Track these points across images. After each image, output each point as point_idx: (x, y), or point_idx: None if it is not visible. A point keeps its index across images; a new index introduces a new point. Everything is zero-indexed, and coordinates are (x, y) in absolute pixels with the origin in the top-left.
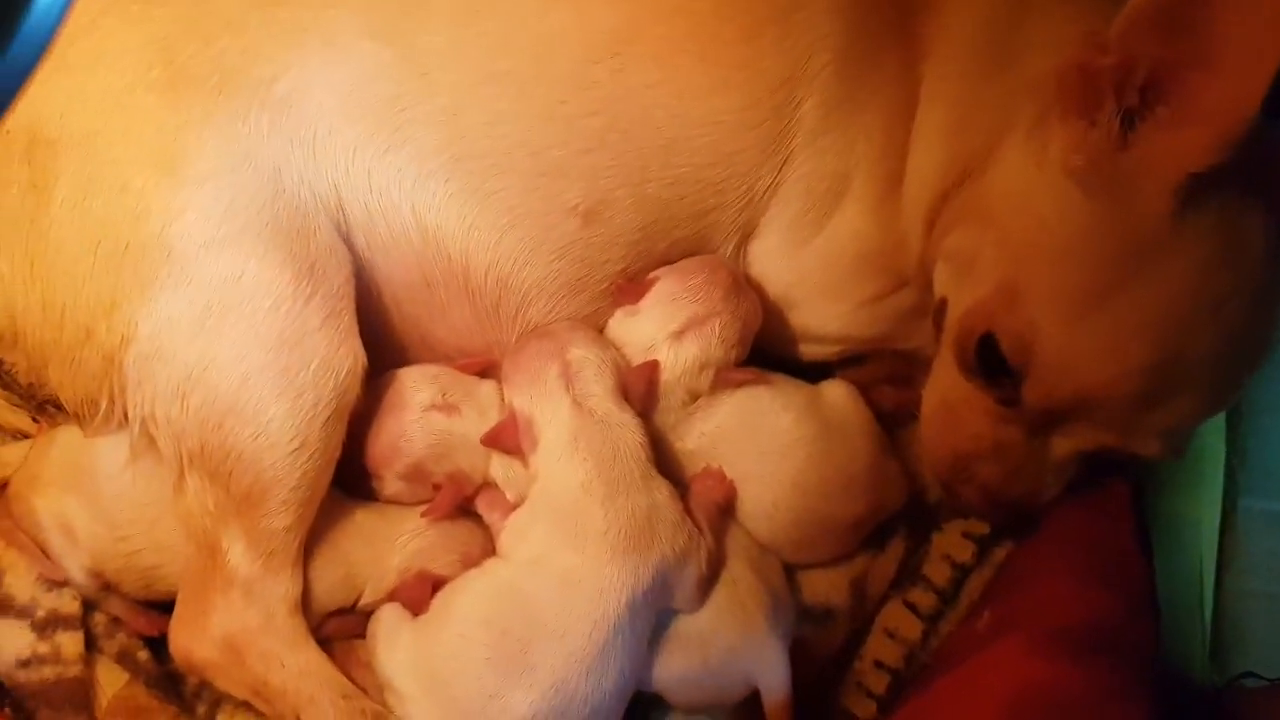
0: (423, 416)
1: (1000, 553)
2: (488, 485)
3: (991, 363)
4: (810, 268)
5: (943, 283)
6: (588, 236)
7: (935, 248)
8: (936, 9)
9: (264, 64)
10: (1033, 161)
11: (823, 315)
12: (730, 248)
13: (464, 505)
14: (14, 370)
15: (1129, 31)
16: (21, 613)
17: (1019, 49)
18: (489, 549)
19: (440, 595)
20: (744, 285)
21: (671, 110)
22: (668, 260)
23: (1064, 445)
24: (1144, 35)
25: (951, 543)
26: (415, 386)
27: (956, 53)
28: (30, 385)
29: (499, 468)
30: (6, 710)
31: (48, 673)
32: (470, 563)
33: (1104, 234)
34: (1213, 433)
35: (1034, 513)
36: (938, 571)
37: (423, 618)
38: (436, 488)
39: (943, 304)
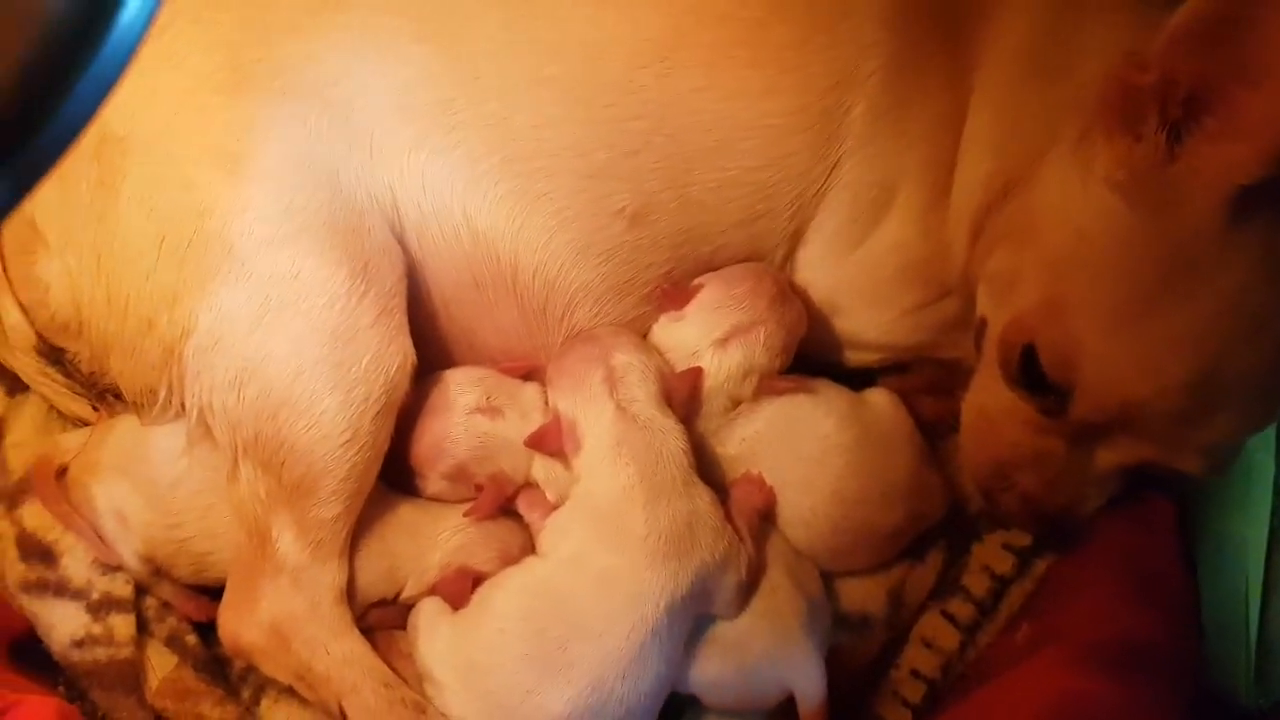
0: (467, 419)
1: (1041, 565)
2: (529, 485)
3: (1034, 374)
4: (854, 275)
5: (984, 304)
6: (634, 239)
7: (979, 263)
8: (988, 18)
9: (324, 68)
10: (1076, 176)
11: (866, 322)
12: (780, 255)
13: (505, 505)
14: (77, 359)
15: (1170, 50)
16: (77, 594)
17: (1070, 60)
18: (528, 547)
19: (480, 591)
20: (789, 294)
21: (719, 114)
22: (714, 265)
23: (1106, 458)
24: (1185, 53)
25: (991, 554)
26: (460, 389)
27: (1006, 62)
28: (91, 374)
29: (541, 468)
30: (60, 689)
31: (100, 654)
32: (509, 560)
33: (1148, 247)
34: (1261, 450)
35: (1075, 525)
36: (977, 582)
37: (462, 612)
38: (479, 488)
39: (982, 323)
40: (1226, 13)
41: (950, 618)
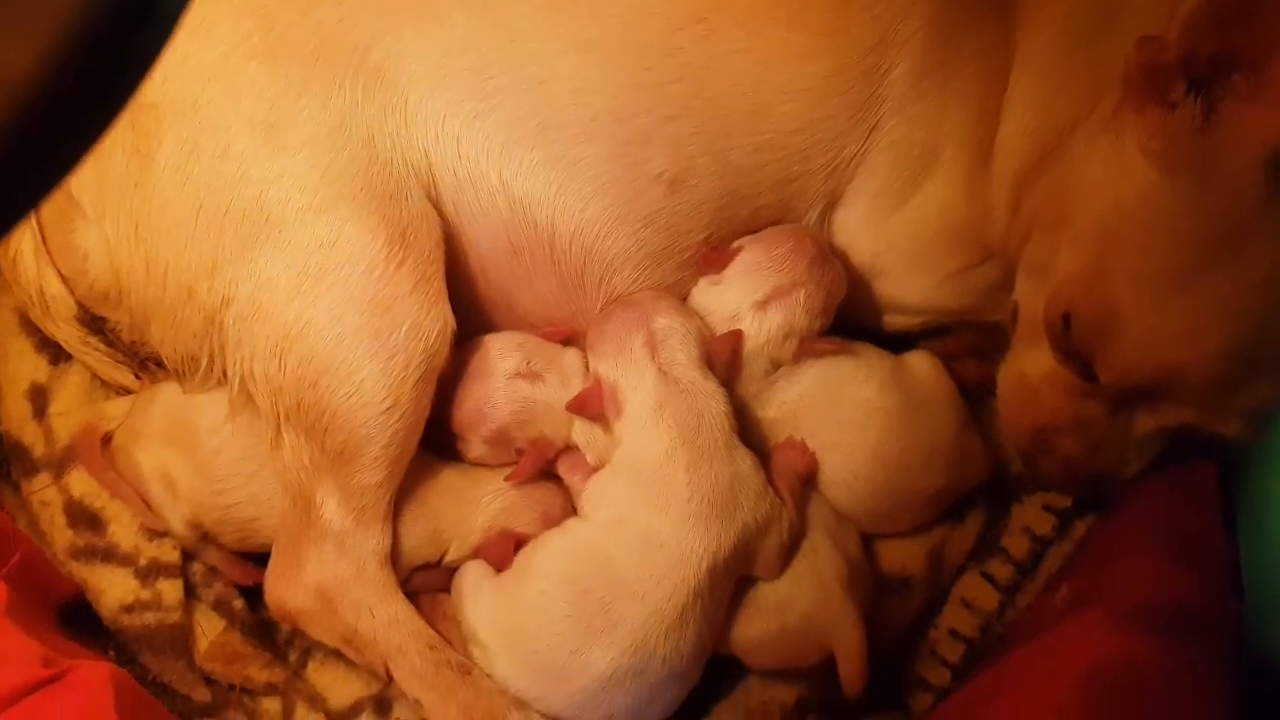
0: (508, 384)
1: (1081, 527)
2: (569, 448)
3: None
4: (896, 238)
5: (1020, 289)
6: (672, 204)
7: (1017, 242)
8: None
9: (359, 32)
10: (1111, 147)
11: (908, 286)
12: (814, 216)
13: (546, 468)
14: (117, 328)
15: (1187, 30)
16: (125, 560)
17: (1116, 20)
18: (569, 510)
19: (522, 553)
20: (829, 255)
21: (758, 77)
22: (751, 228)
23: (1146, 422)
24: (1203, 32)
25: (1031, 515)
26: (501, 354)
27: (1051, 21)
28: (133, 343)
29: (581, 432)
30: (111, 653)
31: (149, 618)
32: (551, 522)
33: (1187, 216)
34: None
35: (1116, 487)
36: (1017, 544)
37: (505, 574)
38: (520, 452)
39: (1015, 307)
40: None
41: (990, 578)
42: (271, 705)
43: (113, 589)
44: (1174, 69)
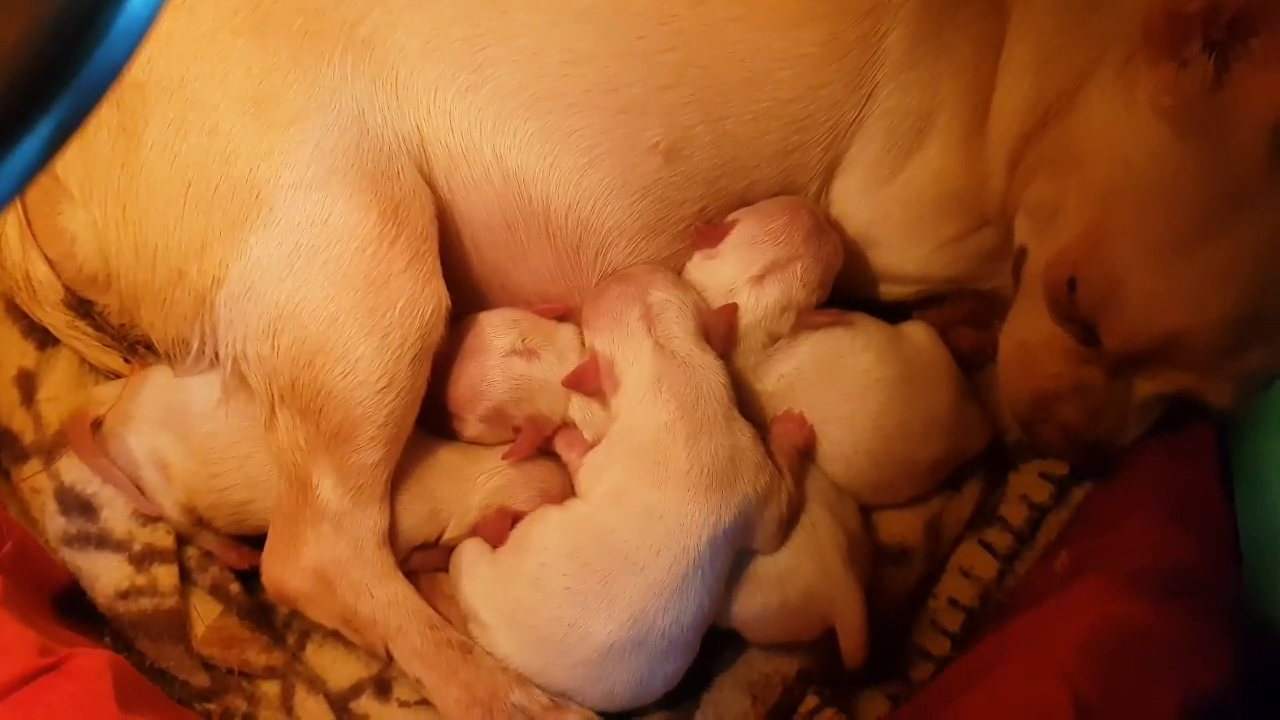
0: (503, 362)
1: (1079, 493)
2: (566, 425)
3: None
4: (891, 206)
5: (1024, 233)
6: (668, 175)
7: (1018, 192)
8: None
9: (347, 6)
10: (1120, 103)
11: (903, 255)
12: (815, 188)
13: (543, 445)
14: (106, 312)
15: None
16: (119, 546)
17: None
18: (567, 487)
19: (519, 526)
20: (826, 227)
21: (753, 44)
22: (748, 200)
23: (1146, 387)
24: None
25: (1029, 483)
26: (496, 332)
27: None
28: (122, 326)
29: (578, 408)
30: (107, 640)
31: (145, 604)
32: (549, 500)
33: (1195, 176)
34: None
35: (1115, 454)
36: (1014, 512)
37: (503, 549)
38: (516, 430)
39: (1022, 253)
40: None
41: (988, 547)
42: (271, 688)
43: (107, 575)
44: (1197, 19)
